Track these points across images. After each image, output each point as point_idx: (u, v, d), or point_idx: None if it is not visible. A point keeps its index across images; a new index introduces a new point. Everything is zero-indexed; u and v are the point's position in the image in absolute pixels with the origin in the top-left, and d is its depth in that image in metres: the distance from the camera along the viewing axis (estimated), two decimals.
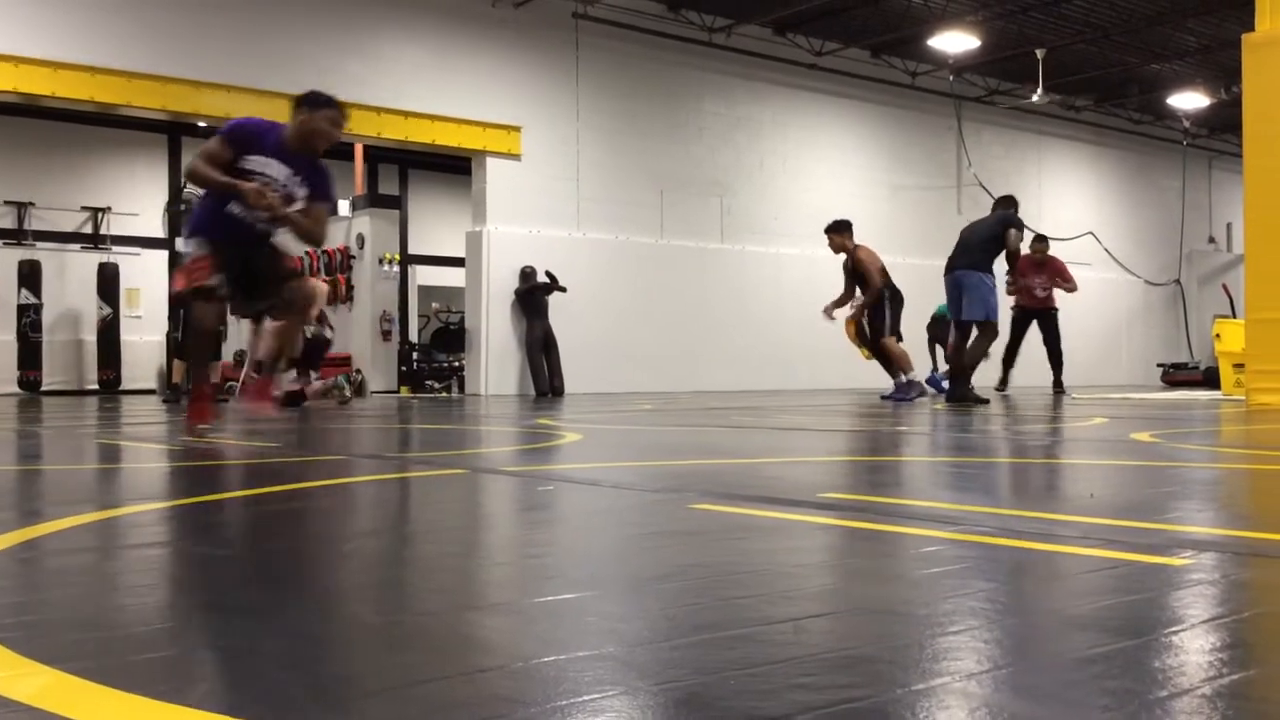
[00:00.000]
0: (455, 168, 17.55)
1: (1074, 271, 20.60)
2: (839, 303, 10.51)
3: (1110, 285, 21.30)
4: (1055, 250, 20.37)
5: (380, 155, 19.95)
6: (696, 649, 1.25)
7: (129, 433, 6.36)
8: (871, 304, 10.25)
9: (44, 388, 17.44)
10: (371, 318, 15.48)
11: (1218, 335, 12.29)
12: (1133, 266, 21.57)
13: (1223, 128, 21.72)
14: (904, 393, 10.15)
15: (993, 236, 9.95)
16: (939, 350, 14.57)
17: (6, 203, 18.02)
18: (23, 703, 1.03)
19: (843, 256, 10.52)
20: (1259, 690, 1.09)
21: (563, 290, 14.23)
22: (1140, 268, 21.69)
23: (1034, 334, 13.05)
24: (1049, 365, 13.37)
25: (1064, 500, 2.85)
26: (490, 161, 14.36)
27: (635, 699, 1.06)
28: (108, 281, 18.02)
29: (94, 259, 18.28)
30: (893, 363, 10.38)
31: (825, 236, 10.49)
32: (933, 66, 18.03)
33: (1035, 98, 17.80)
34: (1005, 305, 11.65)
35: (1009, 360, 12.67)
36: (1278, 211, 8.49)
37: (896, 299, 10.43)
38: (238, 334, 17.84)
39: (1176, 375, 17.79)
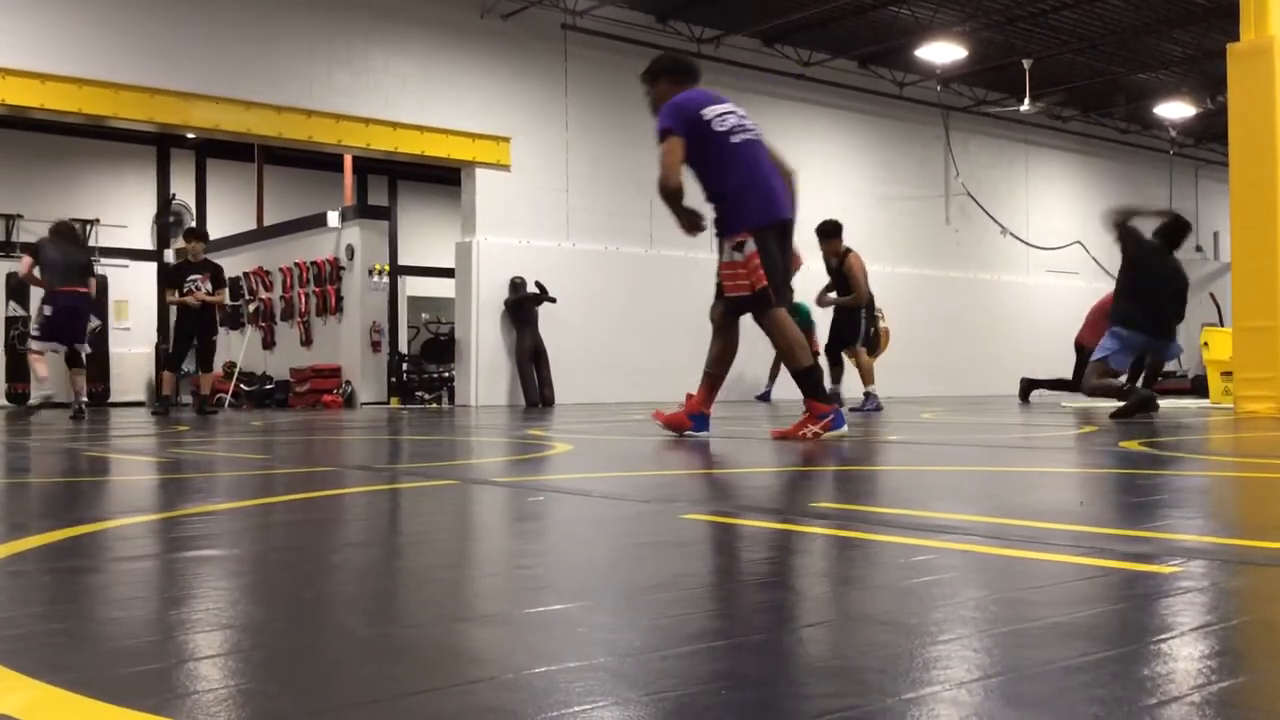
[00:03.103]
0: (444, 178, 17.56)
1: (1062, 280, 20.75)
2: (831, 295, 10.53)
3: (1098, 294, 21.32)
4: (1043, 259, 20.50)
5: (369, 166, 19.97)
6: (687, 659, 1.25)
7: (118, 445, 6.34)
8: (852, 307, 10.25)
9: (31, 400, 17.37)
10: (361, 329, 15.46)
11: (1205, 344, 12.33)
12: None
13: (1209, 137, 21.85)
14: (869, 404, 10.22)
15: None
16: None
17: None
18: (12, 716, 1.03)
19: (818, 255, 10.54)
20: (1248, 698, 1.09)
21: (552, 301, 14.22)
22: None
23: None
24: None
25: (1053, 508, 2.85)
26: (479, 172, 14.37)
27: (626, 710, 1.06)
28: (96, 293, 17.97)
29: None
30: (862, 375, 10.46)
31: (818, 239, 10.41)
32: (920, 77, 18.10)
33: (1023, 107, 17.88)
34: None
35: None
36: (1264, 220, 8.54)
37: (870, 311, 10.47)
38: (225, 345, 17.81)
39: (1165, 384, 17.81)
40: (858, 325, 10.33)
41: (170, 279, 11.48)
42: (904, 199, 18.61)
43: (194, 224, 19.82)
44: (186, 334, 11.52)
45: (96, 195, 18.88)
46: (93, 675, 1.19)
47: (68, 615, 1.59)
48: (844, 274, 10.31)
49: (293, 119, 12.88)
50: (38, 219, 18.30)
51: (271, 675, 1.22)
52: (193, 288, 11.36)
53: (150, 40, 12.18)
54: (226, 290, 12.24)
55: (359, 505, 3.10)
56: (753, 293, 5.29)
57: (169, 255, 19.42)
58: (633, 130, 15.76)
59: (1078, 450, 5.08)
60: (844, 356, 10.43)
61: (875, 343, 11.04)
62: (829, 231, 10.36)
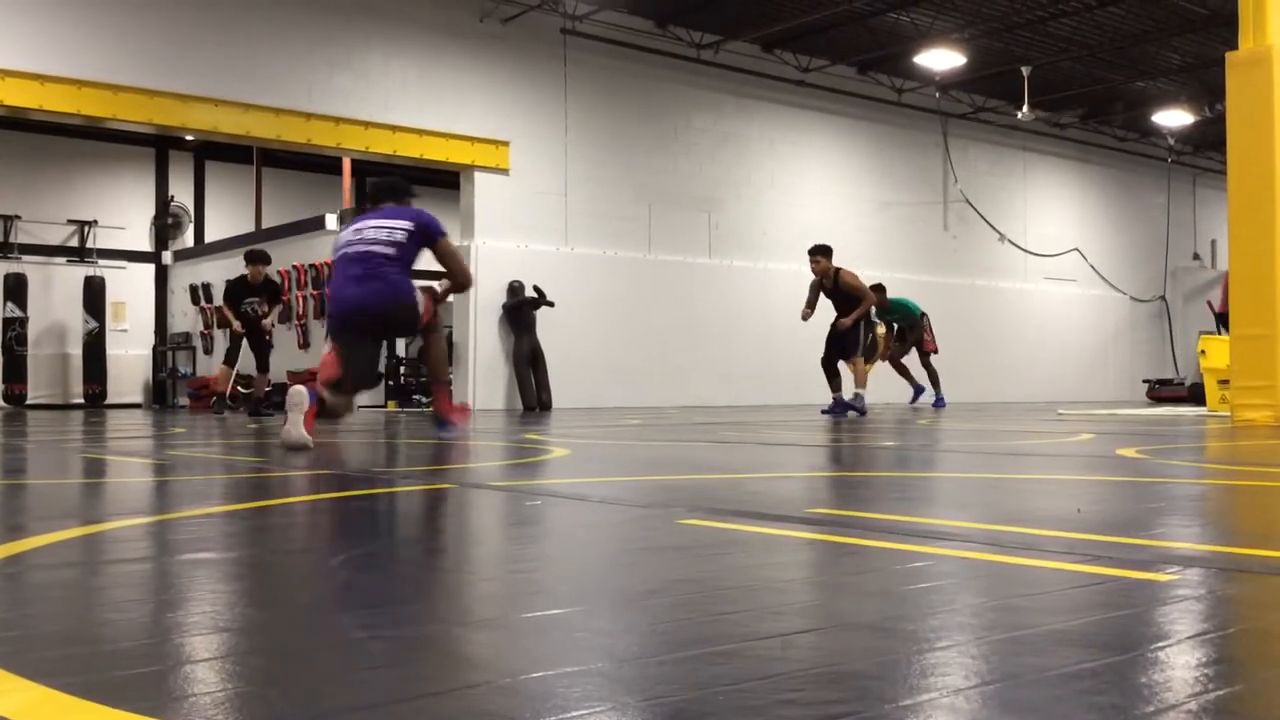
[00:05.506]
0: (443, 182, 17.55)
1: (1060, 287, 20.76)
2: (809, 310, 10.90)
3: (1096, 301, 21.41)
4: (1041, 265, 20.52)
5: (368, 169, 19.92)
6: (684, 664, 1.25)
7: (115, 447, 6.33)
8: (863, 317, 10.78)
9: (29, 401, 17.36)
10: None
11: (1203, 351, 12.33)
12: (1118, 283, 21.67)
13: (1207, 145, 21.87)
14: (834, 410, 10.55)
15: None
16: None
17: None
18: (9, 718, 1.03)
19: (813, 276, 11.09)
20: (1244, 705, 1.09)
21: (550, 305, 14.22)
22: (1126, 284, 21.80)
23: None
24: None
25: (1050, 515, 2.86)
26: (478, 176, 14.37)
27: (623, 714, 1.06)
28: (94, 295, 17.97)
29: (80, 272, 18.24)
30: (834, 378, 10.82)
31: (810, 258, 10.96)
32: (919, 83, 18.11)
33: (1021, 114, 17.90)
34: None
35: None
36: (1261, 228, 8.55)
37: (867, 321, 11.12)
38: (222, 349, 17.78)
39: (1162, 391, 17.86)
40: (858, 337, 10.77)
41: (230, 299, 11.74)
42: (902, 205, 18.62)
43: (191, 225, 19.82)
44: (240, 338, 11.80)
45: (95, 196, 18.87)
46: (90, 677, 1.19)
47: (65, 617, 1.59)
48: (841, 292, 10.74)
49: (292, 121, 12.88)
50: (36, 220, 18.29)
51: (269, 679, 1.22)
52: (249, 310, 11.66)
53: (149, 42, 12.18)
54: (280, 307, 12.60)
55: (356, 509, 3.10)
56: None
57: (166, 257, 19.41)
58: (632, 135, 15.79)
59: (1074, 457, 5.08)
60: (841, 367, 10.81)
61: (872, 350, 11.53)
62: (815, 250, 10.93)
